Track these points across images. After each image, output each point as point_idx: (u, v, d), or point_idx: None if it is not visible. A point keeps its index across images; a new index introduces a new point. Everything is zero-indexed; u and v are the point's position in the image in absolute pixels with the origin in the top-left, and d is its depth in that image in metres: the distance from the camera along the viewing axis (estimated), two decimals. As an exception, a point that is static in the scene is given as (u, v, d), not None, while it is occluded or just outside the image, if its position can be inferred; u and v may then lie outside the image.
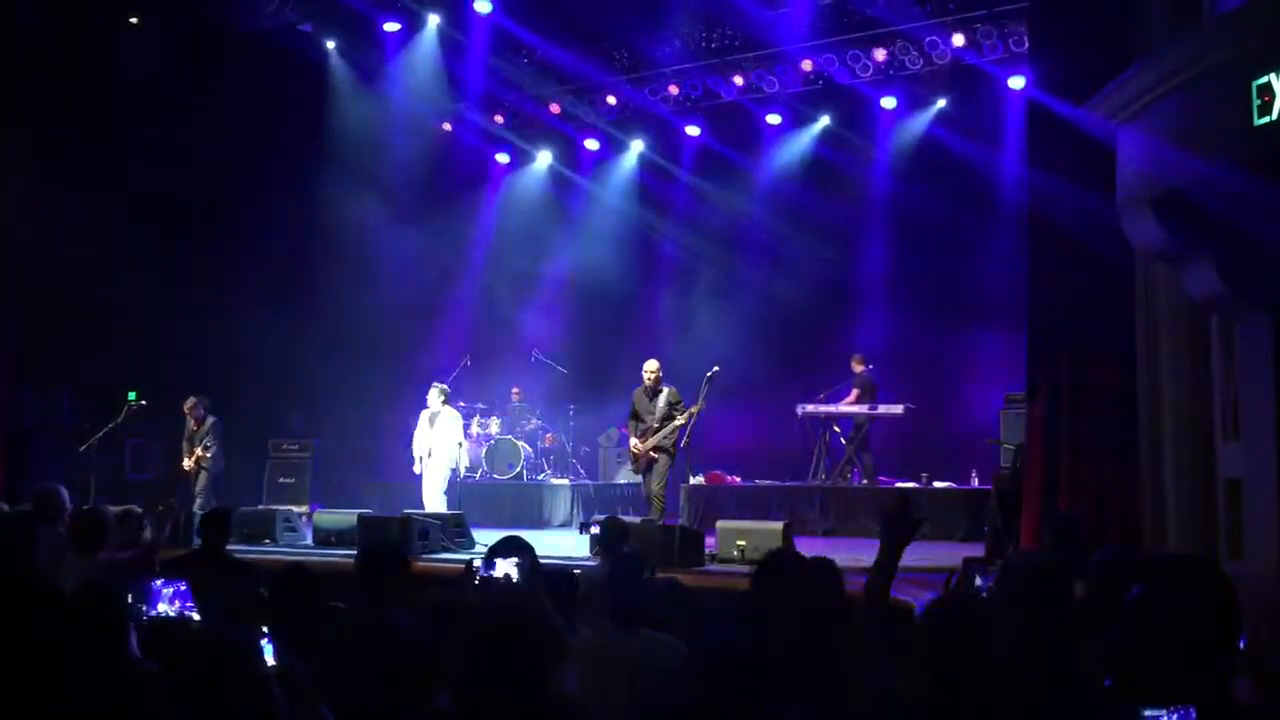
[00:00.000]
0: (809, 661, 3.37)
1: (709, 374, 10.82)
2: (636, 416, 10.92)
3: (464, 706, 2.83)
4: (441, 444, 11.60)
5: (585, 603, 4.88)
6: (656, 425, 10.70)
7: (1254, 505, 5.86)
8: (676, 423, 10.66)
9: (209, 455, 12.51)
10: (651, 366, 10.93)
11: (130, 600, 3.93)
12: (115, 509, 7.66)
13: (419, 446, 11.88)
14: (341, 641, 3.96)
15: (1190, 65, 5.64)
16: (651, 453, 10.69)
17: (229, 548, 10.36)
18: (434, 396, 11.70)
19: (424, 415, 11.82)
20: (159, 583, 4.05)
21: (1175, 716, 2.45)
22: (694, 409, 10.60)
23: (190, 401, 12.65)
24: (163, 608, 4.09)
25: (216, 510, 7.26)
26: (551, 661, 2.92)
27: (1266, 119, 5.07)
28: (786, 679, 3.28)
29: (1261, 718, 2.43)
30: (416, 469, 11.93)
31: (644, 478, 10.90)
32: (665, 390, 10.81)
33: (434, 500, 11.44)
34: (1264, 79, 5.08)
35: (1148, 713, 2.46)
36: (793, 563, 3.85)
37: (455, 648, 2.92)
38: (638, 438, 10.82)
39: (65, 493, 7.17)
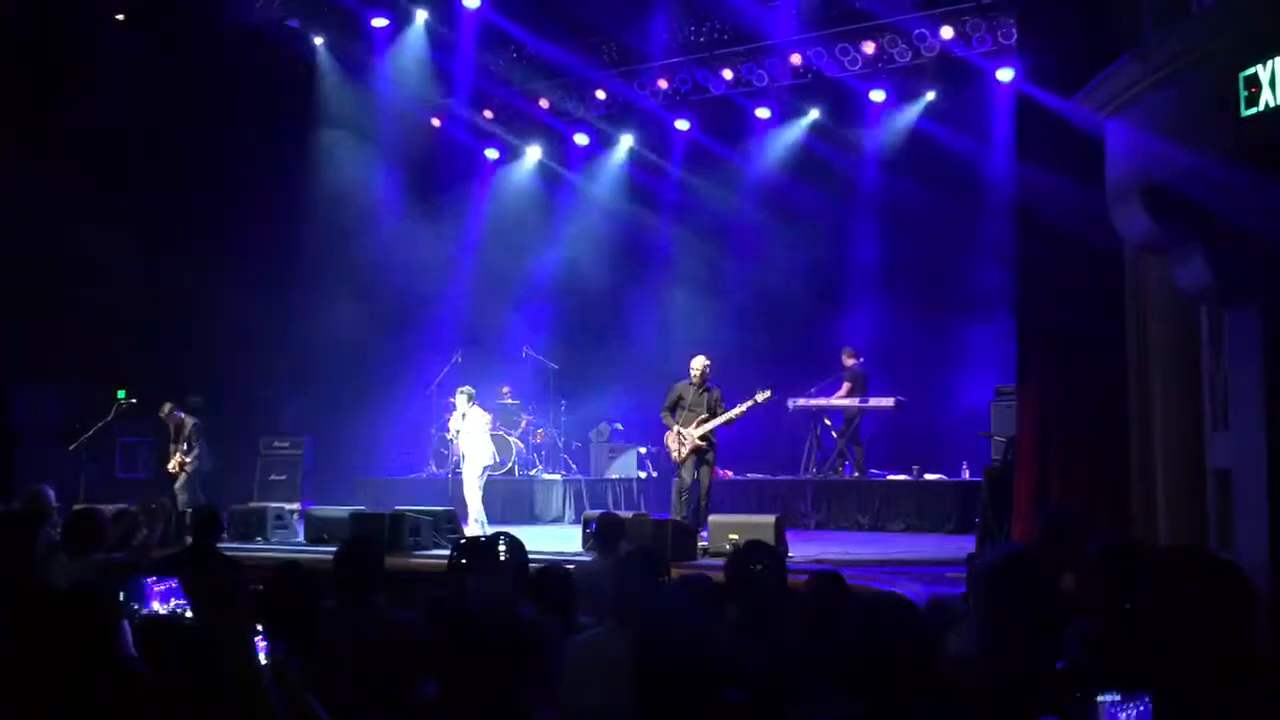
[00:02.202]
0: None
1: (760, 398, 10.66)
2: (679, 407, 10.70)
3: (446, 695, 2.85)
4: (472, 444, 11.59)
5: (584, 597, 4.88)
6: (705, 415, 10.54)
7: (1244, 495, 5.88)
8: (735, 411, 10.54)
9: (188, 459, 12.46)
10: (700, 363, 10.75)
11: (123, 599, 3.93)
12: (110, 508, 7.67)
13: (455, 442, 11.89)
14: (333, 637, 3.96)
15: (1178, 57, 5.65)
16: (700, 441, 10.51)
17: (221, 544, 10.40)
18: (461, 400, 11.70)
19: (454, 418, 11.81)
20: (151, 581, 4.04)
21: (1132, 705, 2.43)
22: (760, 396, 10.53)
23: (165, 408, 12.61)
24: (156, 606, 4.08)
25: (207, 509, 7.23)
26: (529, 653, 2.93)
27: (1254, 110, 5.08)
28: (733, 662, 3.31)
29: (1269, 709, 2.42)
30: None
31: (680, 469, 10.65)
32: (714, 389, 10.67)
33: (471, 498, 11.43)
34: (1251, 70, 5.09)
35: (1101, 698, 2.45)
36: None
37: (438, 639, 2.94)
38: (682, 426, 10.59)
39: (51, 493, 7.18)
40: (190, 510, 10.99)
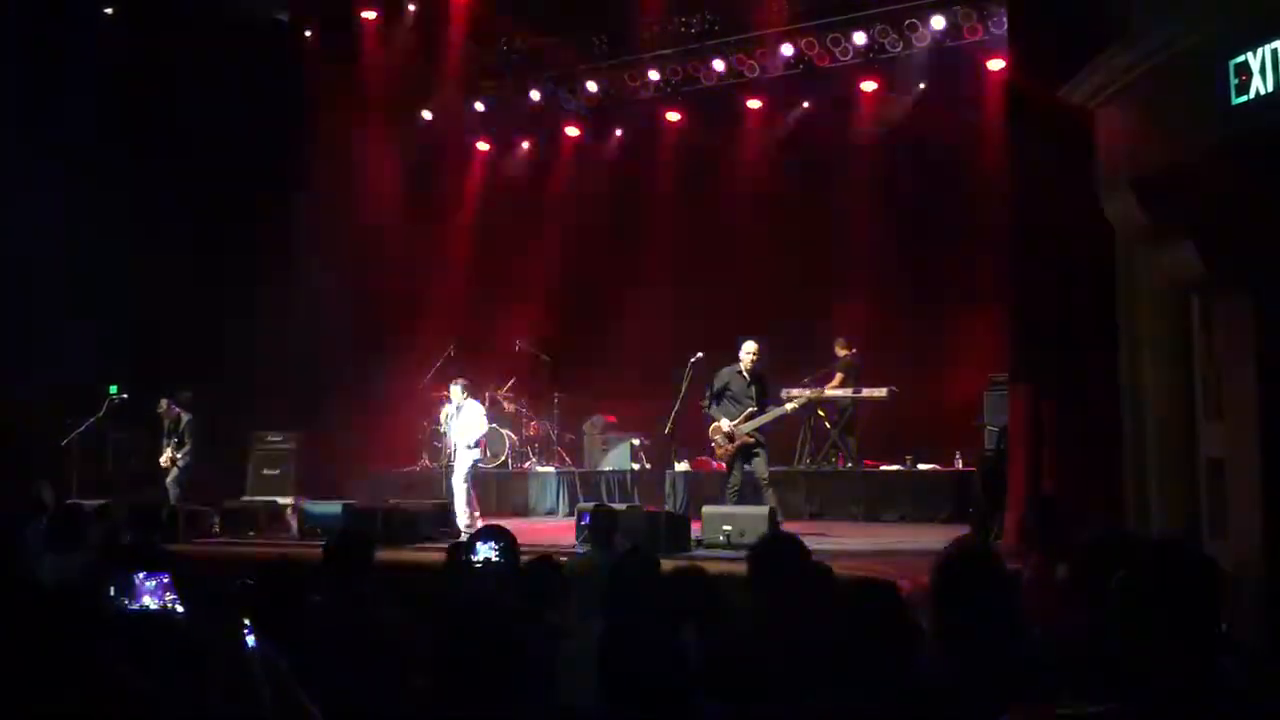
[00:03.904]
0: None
1: (693, 359, 10.74)
2: (724, 397, 10.13)
3: (438, 690, 2.85)
4: (467, 436, 11.55)
5: (578, 591, 4.87)
6: (756, 409, 10.05)
7: (1237, 484, 5.89)
8: (787, 408, 10.29)
9: (179, 454, 12.40)
10: (752, 348, 10.18)
11: (112, 594, 3.91)
12: (90, 504, 7.64)
13: (448, 434, 11.83)
14: (323, 632, 3.95)
15: (1168, 46, 5.64)
16: (749, 438, 9.99)
17: (214, 541, 10.40)
18: (456, 391, 11.62)
19: (448, 409, 11.75)
20: (141, 576, 4.02)
21: None
22: (810, 394, 10.47)
23: (162, 404, 12.55)
24: (146, 601, 4.07)
25: (146, 505, 7.13)
26: (521, 650, 2.93)
27: (1244, 98, 5.07)
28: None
29: (1246, 698, 2.42)
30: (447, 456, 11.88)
31: (732, 466, 10.14)
32: (762, 377, 10.20)
33: (458, 489, 11.40)
34: (1241, 58, 5.08)
35: None
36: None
37: (432, 631, 2.94)
38: (729, 419, 10.09)
39: (49, 491, 7.16)
40: (176, 505, 10.97)
